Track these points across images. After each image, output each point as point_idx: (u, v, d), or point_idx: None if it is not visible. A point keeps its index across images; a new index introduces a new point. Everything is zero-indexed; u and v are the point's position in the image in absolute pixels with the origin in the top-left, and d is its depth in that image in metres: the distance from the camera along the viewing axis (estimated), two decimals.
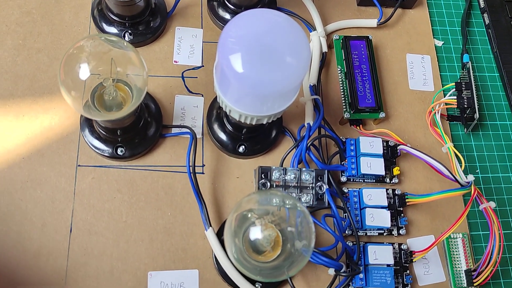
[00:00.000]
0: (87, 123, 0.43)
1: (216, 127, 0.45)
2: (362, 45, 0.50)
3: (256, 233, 0.34)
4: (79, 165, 0.44)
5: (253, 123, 0.38)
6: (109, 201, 0.43)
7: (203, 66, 0.49)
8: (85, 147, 0.44)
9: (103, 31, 0.47)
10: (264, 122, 0.38)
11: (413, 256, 0.43)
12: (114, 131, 0.42)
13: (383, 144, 0.46)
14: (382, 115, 0.48)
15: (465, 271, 0.44)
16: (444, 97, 0.50)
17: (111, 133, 0.42)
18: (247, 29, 0.35)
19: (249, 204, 0.35)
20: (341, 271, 0.40)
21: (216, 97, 0.47)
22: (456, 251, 0.45)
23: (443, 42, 0.55)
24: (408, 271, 0.43)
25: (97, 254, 0.41)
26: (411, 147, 0.45)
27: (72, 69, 0.36)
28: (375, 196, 0.44)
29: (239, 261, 0.35)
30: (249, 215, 0.36)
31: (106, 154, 0.43)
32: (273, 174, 0.43)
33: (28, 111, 0.45)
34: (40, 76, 0.46)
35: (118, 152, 0.43)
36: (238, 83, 0.34)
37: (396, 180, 0.46)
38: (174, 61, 0.49)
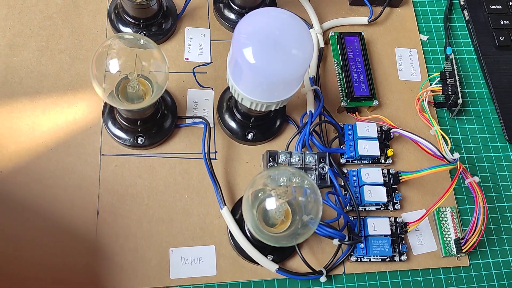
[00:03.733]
0: (110, 116, 0.48)
1: (226, 116, 0.50)
2: (355, 41, 0.55)
3: (271, 203, 0.39)
4: (102, 154, 0.48)
5: (263, 109, 0.42)
6: (132, 186, 0.47)
7: (211, 62, 0.53)
8: (108, 138, 0.48)
9: (119, 32, 0.51)
10: (273, 109, 0.43)
11: (408, 227, 0.48)
12: (135, 121, 0.47)
13: (377, 128, 0.51)
14: (375, 102, 0.53)
15: (454, 240, 0.49)
16: (431, 85, 0.55)
17: (132, 123, 0.47)
18: (256, 25, 0.39)
19: (262, 180, 0.40)
20: (345, 240, 0.45)
21: (225, 89, 0.52)
22: (445, 223, 0.50)
23: (428, 36, 0.60)
24: (403, 241, 0.48)
25: (123, 234, 0.45)
26: (402, 130, 0.50)
27: (102, 64, 0.40)
28: (372, 174, 0.49)
29: (255, 231, 0.39)
30: (260, 194, 0.41)
31: (127, 143, 0.47)
32: (280, 157, 0.47)
33: (54, 106, 0.49)
34: (63, 74, 0.50)
35: (138, 141, 0.47)
36: (251, 73, 0.38)
37: (390, 161, 0.51)
38: (185, 58, 0.53)
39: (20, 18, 0.51)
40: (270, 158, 0.47)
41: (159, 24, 0.52)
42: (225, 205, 0.46)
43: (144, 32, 0.51)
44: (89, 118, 0.49)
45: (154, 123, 0.48)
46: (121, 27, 0.51)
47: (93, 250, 0.44)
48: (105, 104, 0.49)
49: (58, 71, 0.50)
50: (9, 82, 0.49)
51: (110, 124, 0.48)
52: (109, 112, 0.48)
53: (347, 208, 0.48)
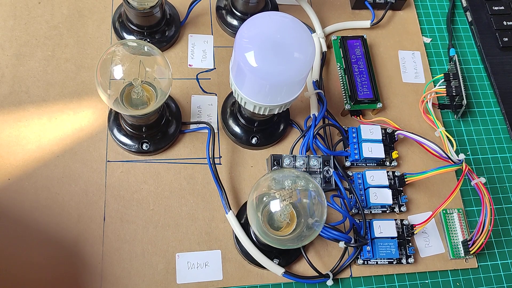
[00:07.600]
0: (115, 123, 0.48)
1: (230, 122, 0.50)
2: (358, 44, 0.55)
3: (275, 205, 0.39)
4: (108, 161, 0.48)
5: (266, 113, 0.43)
6: (137, 192, 0.47)
7: (215, 68, 0.54)
8: (113, 145, 0.49)
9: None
10: (276, 112, 0.43)
11: (414, 229, 0.48)
12: (140, 128, 0.47)
13: (381, 131, 0.51)
14: (379, 105, 0.53)
15: (461, 242, 0.49)
16: (435, 87, 0.55)
17: (137, 130, 0.47)
18: (258, 29, 0.40)
19: (267, 182, 0.40)
20: (351, 243, 0.44)
21: (228, 95, 0.52)
22: (452, 225, 0.50)
23: (431, 39, 0.60)
24: (410, 244, 0.48)
25: (129, 239, 0.45)
26: (407, 131, 0.50)
27: (106, 71, 0.40)
28: (377, 177, 0.48)
29: (261, 234, 0.39)
30: (265, 198, 0.41)
31: (132, 150, 0.48)
32: (284, 161, 0.47)
33: (60, 114, 0.49)
34: (69, 83, 0.51)
35: (143, 147, 0.48)
36: (253, 76, 0.39)
37: (395, 163, 0.51)
38: (189, 65, 0.54)
39: (26, 29, 0.52)
40: (275, 162, 0.47)
41: (163, 32, 0.53)
42: (230, 209, 0.46)
43: (148, 40, 0.52)
44: (95, 125, 0.49)
45: (159, 129, 0.48)
46: (125, 35, 0.52)
47: (100, 255, 0.44)
48: (110, 111, 0.49)
49: (64, 79, 0.51)
50: (16, 91, 0.49)
51: (115, 130, 0.48)
52: (114, 119, 0.48)
53: (353, 211, 0.48)
